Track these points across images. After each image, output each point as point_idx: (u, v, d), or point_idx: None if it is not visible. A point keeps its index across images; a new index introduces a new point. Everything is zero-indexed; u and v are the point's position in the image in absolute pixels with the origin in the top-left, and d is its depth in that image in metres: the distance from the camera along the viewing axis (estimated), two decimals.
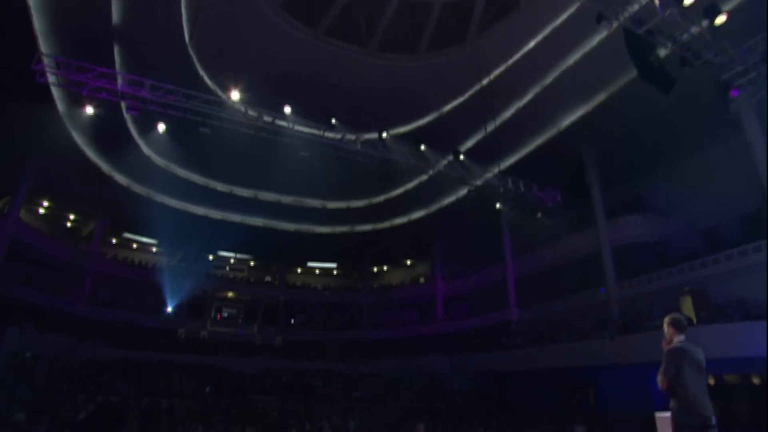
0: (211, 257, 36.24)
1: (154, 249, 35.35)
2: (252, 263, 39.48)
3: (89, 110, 14.31)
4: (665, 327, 5.01)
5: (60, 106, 18.38)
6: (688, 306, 18.06)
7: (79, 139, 21.09)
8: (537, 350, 22.39)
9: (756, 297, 15.29)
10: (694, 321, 15.64)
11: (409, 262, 40.39)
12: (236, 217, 30.84)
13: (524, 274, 27.45)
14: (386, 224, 32.36)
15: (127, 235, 34.29)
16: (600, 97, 18.77)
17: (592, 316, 21.68)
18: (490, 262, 30.17)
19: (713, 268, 17.01)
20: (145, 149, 23.51)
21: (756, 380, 15.40)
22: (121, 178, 25.27)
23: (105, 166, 23.91)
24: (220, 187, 28.08)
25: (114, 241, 34.27)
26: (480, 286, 31.16)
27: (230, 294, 36.42)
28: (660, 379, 4.79)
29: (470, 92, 21.04)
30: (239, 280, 37.42)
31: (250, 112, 14.03)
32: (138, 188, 26.39)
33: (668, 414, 6.36)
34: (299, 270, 41.08)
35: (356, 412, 18.82)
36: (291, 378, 26.94)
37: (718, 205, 18.16)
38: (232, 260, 38.39)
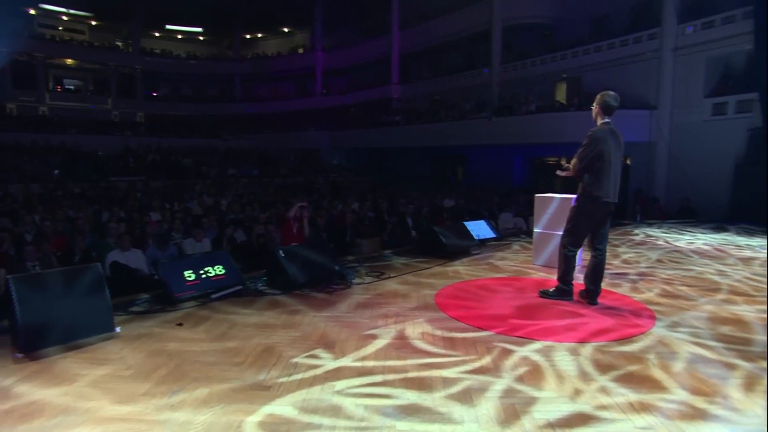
0: (31, 11, 28.74)
1: None
2: (93, 23, 32.40)
3: None
4: (594, 105, 4.61)
5: None
6: (562, 92, 18.49)
7: None
8: (416, 128, 22.53)
9: (621, 87, 15.76)
10: (566, 106, 16.08)
11: (286, 29, 35.92)
12: None
13: (410, 49, 25.91)
14: None
15: None
16: None
17: (472, 96, 21.69)
18: (375, 34, 27.87)
19: (594, 56, 16.82)
20: None
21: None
22: None
23: None
24: None
25: None
26: (362, 59, 29.16)
27: (70, 61, 30.45)
28: (574, 163, 4.57)
29: None
30: (80, 43, 30.94)
31: None
32: None
33: (547, 195, 6.40)
34: (157, 34, 34.87)
35: (230, 190, 18.15)
36: (158, 156, 24.92)
37: None
38: (64, 17, 31.04)
